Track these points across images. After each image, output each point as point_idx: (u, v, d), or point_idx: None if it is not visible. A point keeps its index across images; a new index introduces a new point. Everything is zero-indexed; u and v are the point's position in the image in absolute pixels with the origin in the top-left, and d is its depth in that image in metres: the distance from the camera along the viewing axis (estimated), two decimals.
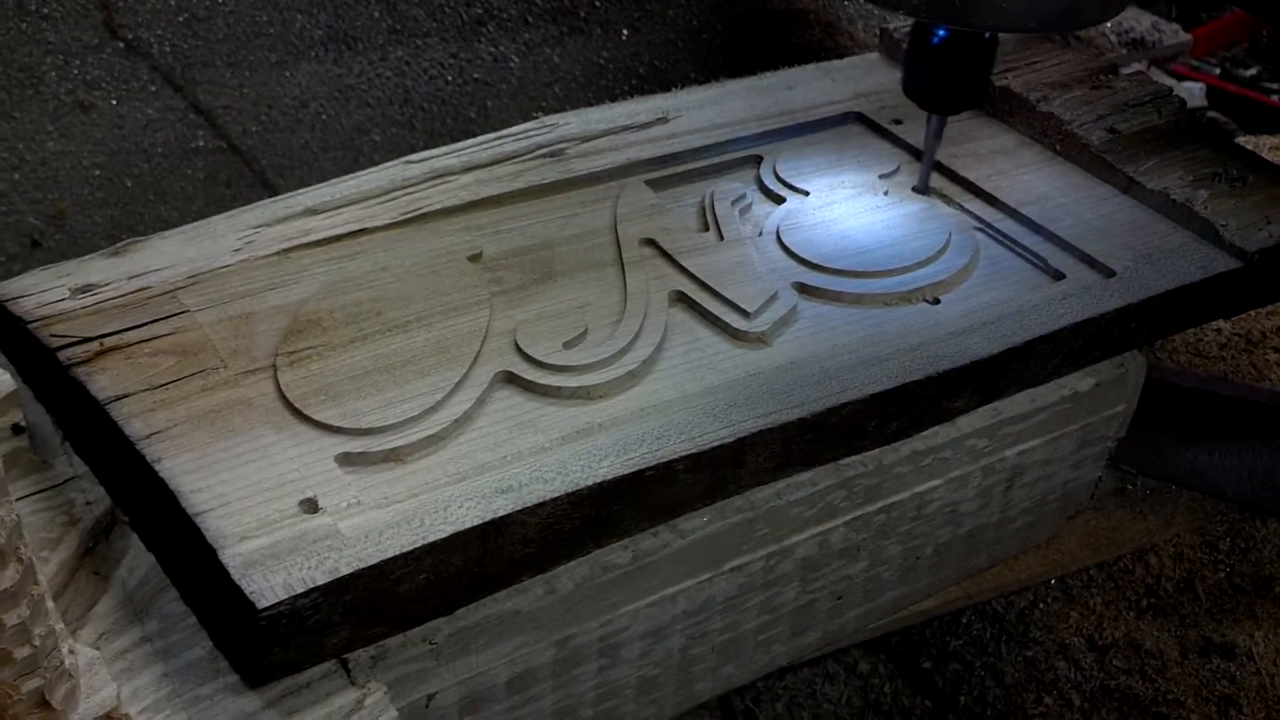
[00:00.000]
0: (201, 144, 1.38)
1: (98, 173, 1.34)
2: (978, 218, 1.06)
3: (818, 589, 0.95)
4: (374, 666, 0.74)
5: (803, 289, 0.96)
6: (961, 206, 1.07)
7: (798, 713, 1.35)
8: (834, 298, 0.96)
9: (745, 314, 0.93)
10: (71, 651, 0.69)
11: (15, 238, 1.32)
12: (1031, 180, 1.10)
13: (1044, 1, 0.91)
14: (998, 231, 1.04)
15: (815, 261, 0.98)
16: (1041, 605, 1.41)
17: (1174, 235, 1.05)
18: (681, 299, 0.95)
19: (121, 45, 1.33)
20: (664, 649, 0.88)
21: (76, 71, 1.31)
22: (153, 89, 1.34)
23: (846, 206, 1.05)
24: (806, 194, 1.06)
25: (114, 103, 1.34)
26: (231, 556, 0.70)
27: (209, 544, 0.70)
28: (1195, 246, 1.04)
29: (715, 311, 0.93)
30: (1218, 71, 2.33)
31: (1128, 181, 1.10)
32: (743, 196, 1.06)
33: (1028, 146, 1.14)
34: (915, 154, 1.12)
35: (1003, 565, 1.34)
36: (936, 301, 0.97)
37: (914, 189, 1.08)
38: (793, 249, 0.99)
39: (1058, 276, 1.00)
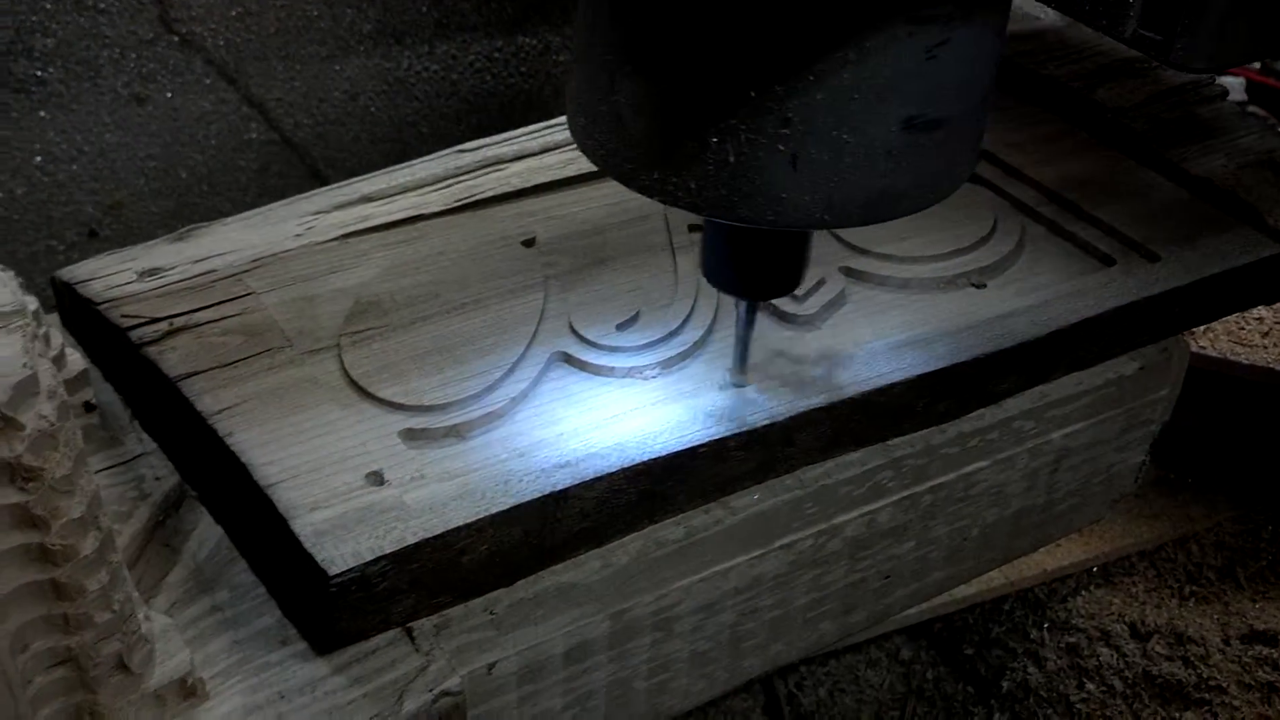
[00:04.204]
0: (254, 136, 1.40)
1: (153, 164, 1.36)
2: (1022, 203, 1.07)
3: (866, 568, 0.96)
4: (437, 635, 0.76)
5: (850, 273, 0.98)
6: (1006, 192, 1.08)
7: (840, 698, 1.36)
8: (881, 282, 0.98)
9: (794, 297, 0.94)
10: (147, 618, 0.71)
11: (74, 227, 1.34)
12: (1075, 166, 1.11)
13: (842, 192, 0.68)
14: (1043, 217, 1.05)
15: (862, 246, 1.00)
16: (1084, 592, 1.42)
17: (1218, 221, 1.06)
18: None
19: (176, 39, 1.36)
20: (715, 624, 0.90)
21: (133, 65, 1.33)
22: (207, 82, 1.36)
23: None
24: None
25: (169, 95, 1.36)
26: (303, 526, 0.72)
27: (280, 514, 0.73)
28: (1239, 232, 1.04)
29: None
30: (1258, 66, 2.33)
31: (1171, 167, 1.11)
32: None
33: (1071, 134, 1.15)
34: None
35: (1045, 552, 1.35)
36: (982, 285, 0.98)
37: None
38: (839, 233, 1.01)
39: (1103, 261, 1.01)
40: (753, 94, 0.64)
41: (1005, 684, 1.35)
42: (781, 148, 0.65)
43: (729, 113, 0.65)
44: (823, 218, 0.69)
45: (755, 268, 0.79)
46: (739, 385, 0.86)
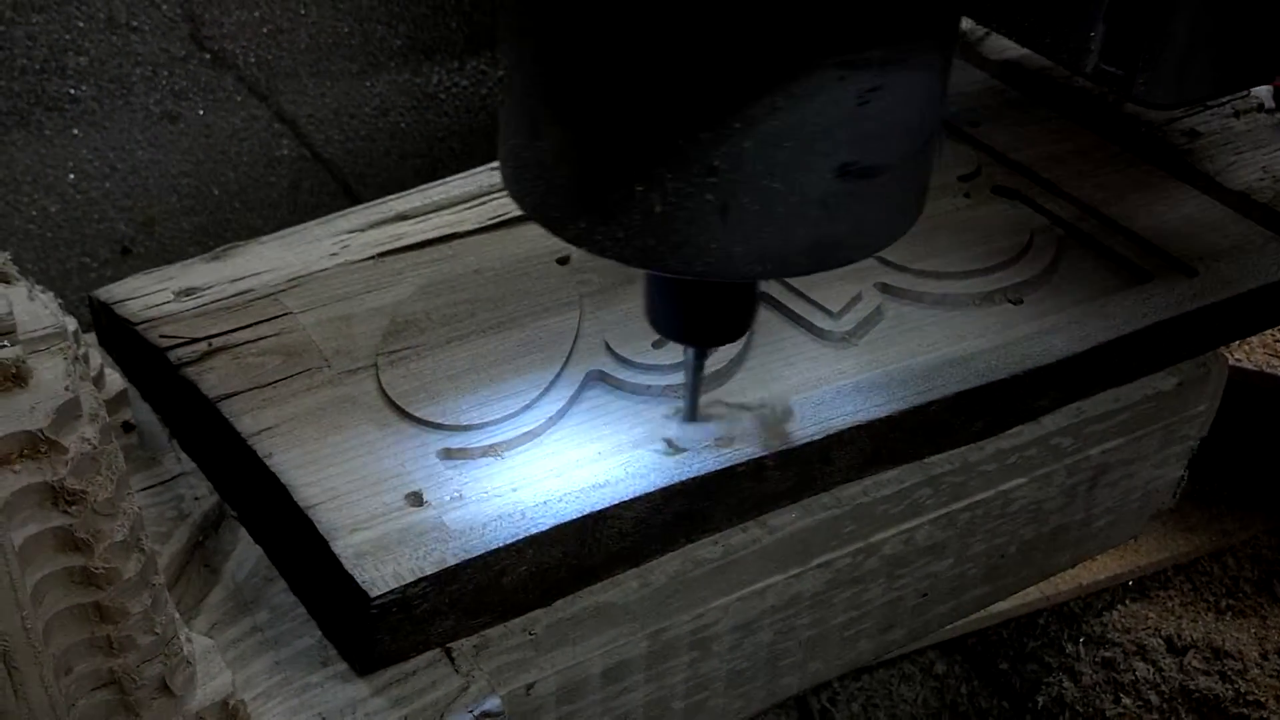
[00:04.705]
0: (285, 153, 1.40)
1: (185, 181, 1.37)
2: (1058, 218, 1.06)
3: (904, 586, 0.95)
4: (476, 655, 0.76)
5: (886, 289, 0.97)
6: (1042, 207, 1.07)
7: (874, 713, 1.35)
8: (917, 298, 0.97)
9: (830, 314, 0.94)
10: (188, 640, 0.71)
11: (107, 245, 1.35)
12: (1110, 180, 1.10)
13: (775, 242, 0.65)
14: (1079, 232, 1.05)
15: (897, 262, 0.99)
16: (1119, 606, 1.41)
17: (1255, 235, 1.05)
18: (765, 299, 0.96)
19: (208, 56, 1.36)
20: (753, 643, 0.89)
21: (165, 82, 1.34)
22: (238, 99, 1.37)
23: (927, 208, 1.06)
24: None
25: (201, 113, 1.37)
26: (343, 547, 0.72)
27: (321, 535, 0.73)
28: (1277, 246, 1.04)
29: (800, 312, 0.94)
30: None
31: (1208, 181, 1.10)
32: None
33: (1106, 148, 1.15)
34: (994, 155, 1.13)
35: (1079, 566, 1.34)
36: (1019, 301, 0.98)
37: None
38: None
39: (1140, 276, 1.00)
40: (678, 141, 0.61)
41: (1040, 699, 1.35)
42: (710, 197, 0.62)
43: (653, 160, 0.62)
44: (756, 268, 0.66)
45: (700, 315, 0.76)
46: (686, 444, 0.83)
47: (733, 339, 0.80)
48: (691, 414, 0.84)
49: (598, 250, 0.66)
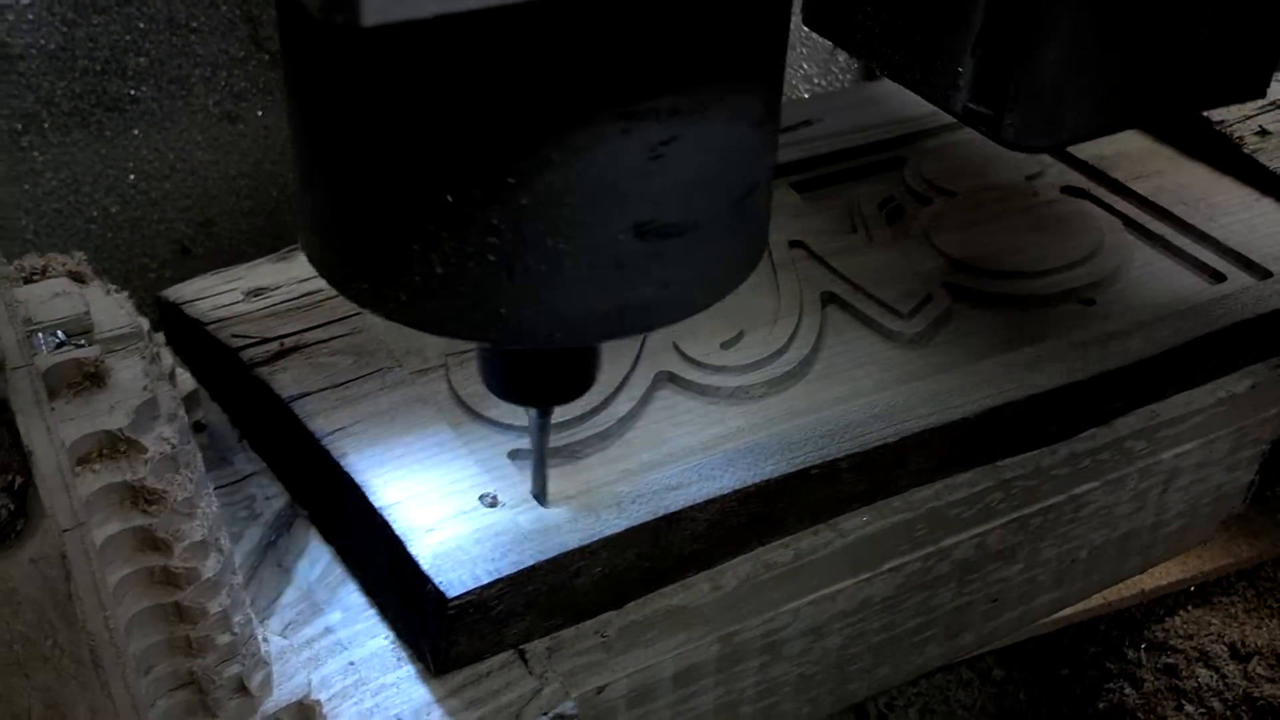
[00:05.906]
0: None
1: (244, 182, 1.37)
2: (1129, 218, 1.05)
3: (974, 591, 0.94)
4: (549, 657, 0.75)
5: (955, 290, 0.96)
6: (1112, 207, 1.06)
7: (930, 718, 1.34)
8: (986, 299, 0.96)
9: (899, 315, 0.93)
10: (264, 640, 0.71)
11: (166, 245, 1.35)
12: (1182, 181, 1.09)
13: (570, 306, 0.59)
14: (1150, 232, 1.03)
15: (966, 262, 0.98)
16: (1181, 612, 1.39)
17: None
18: (834, 300, 0.95)
19: (266, 58, 1.36)
20: (822, 648, 0.88)
21: (224, 83, 1.34)
22: None
23: (995, 207, 1.05)
24: (954, 194, 1.06)
25: (259, 114, 1.37)
26: (421, 549, 0.71)
27: (397, 536, 0.72)
28: None
29: (870, 313, 0.93)
30: None
31: (1279, 181, 1.08)
32: (890, 198, 1.06)
33: (1174, 145, 1.13)
34: (1061, 154, 1.11)
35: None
36: (1092, 302, 0.96)
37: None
38: (943, 250, 0.99)
39: (1214, 277, 0.99)
40: (449, 199, 0.55)
41: (1101, 705, 1.33)
42: (493, 258, 0.56)
43: (426, 218, 0.56)
44: (554, 335, 0.60)
45: (535, 375, 0.70)
46: (541, 500, 0.77)
47: (576, 396, 0.73)
48: (540, 486, 0.77)
49: (384, 314, 0.60)
